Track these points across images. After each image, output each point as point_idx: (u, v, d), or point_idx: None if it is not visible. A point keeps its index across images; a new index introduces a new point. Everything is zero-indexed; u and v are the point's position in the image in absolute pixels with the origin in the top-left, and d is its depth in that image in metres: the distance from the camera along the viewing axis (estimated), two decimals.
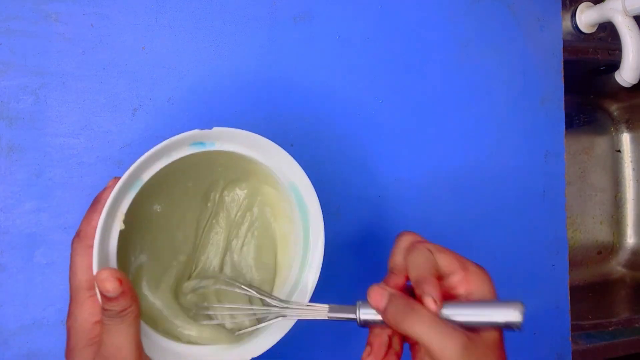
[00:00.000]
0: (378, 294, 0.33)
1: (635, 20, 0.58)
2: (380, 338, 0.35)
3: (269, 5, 0.47)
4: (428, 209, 0.52)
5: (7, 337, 0.40)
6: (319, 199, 0.37)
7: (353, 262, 0.50)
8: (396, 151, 0.51)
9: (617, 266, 0.85)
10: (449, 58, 0.54)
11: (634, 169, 0.86)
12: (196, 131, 0.33)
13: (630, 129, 0.87)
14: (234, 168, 0.39)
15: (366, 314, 0.34)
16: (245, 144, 0.35)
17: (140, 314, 0.32)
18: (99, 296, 0.30)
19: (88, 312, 0.31)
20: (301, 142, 0.48)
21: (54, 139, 0.41)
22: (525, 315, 0.31)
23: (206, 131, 0.33)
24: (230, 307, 0.37)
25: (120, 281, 0.29)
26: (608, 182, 0.86)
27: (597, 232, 0.85)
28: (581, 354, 0.62)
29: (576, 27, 0.65)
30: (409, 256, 0.34)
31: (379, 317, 0.33)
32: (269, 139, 0.36)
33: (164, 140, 0.32)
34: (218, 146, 0.34)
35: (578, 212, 0.84)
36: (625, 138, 0.87)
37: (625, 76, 0.58)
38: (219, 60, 0.46)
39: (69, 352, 0.31)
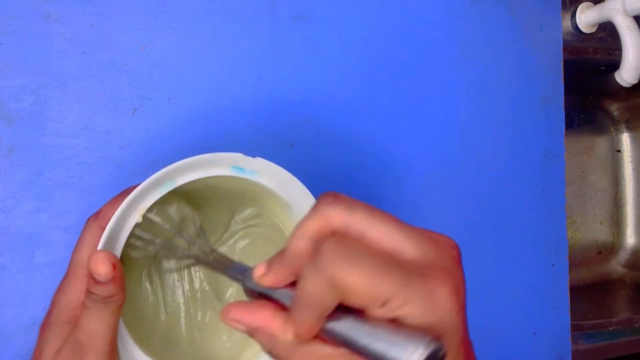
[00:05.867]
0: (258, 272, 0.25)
1: (635, 20, 0.58)
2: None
3: (269, 5, 0.47)
4: (428, 209, 0.52)
5: (7, 337, 0.40)
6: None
7: None
8: (396, 151, 0.51)
9: (617, 266, 0.85)
10: (449, 58, 0.54)
11: (634, 169, 0.86)
12: (241, 155, 0.33)
13: (630, 129, 0.87)
14: (258, 201, 0.39)
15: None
16: (282, 184, 0.35)
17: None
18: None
19: (79, 290, 0.30)
20: (301, 142, 0.48)
21: (54, 139, 0.41)
22: (431, 356, 0.20)
23: (250, 159, 0.33)
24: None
25: (114, 267, 0.28)
26: (608, 182, 0.86)
27: (597, 232, 0.85)
28: (581, 354, 0.62)
29: (576, 27, 0.65)
30: (304, 272, 0.22)
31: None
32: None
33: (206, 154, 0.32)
34: (256, 177, 0.34)
35: (578, 212, 0.84)
36: (625, 138, 0.87)
37: (625, 76, 0.58)
38: (219, 60, 0.46)
39: (45, 325, 0.31)
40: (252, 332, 0.24)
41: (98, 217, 0.32)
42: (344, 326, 0.22)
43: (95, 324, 0.28)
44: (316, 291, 0.21)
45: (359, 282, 0.20)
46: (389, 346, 0.20)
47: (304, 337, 0.22)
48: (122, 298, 0.29)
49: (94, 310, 0.28)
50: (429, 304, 0.20)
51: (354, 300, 0.21)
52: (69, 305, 0.30)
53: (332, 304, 0.21)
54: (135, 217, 0.31)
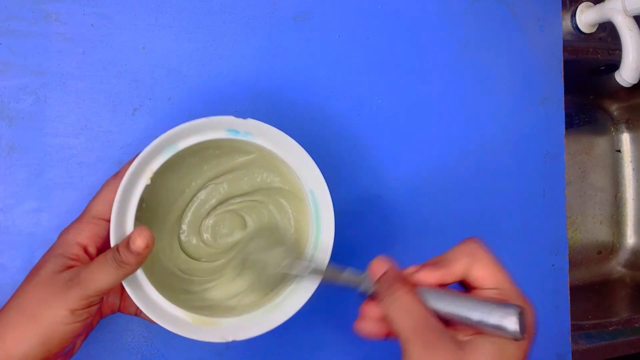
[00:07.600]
0: (378, 265, 0.34)
1: (635, 20, 0.58)
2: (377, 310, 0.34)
3: (269, 5, 0.47)
4: (428, 208, 0.52)
5: None
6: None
7: (353, 263, 0.49)
8: (396, 151, 0.51)
9: (617, 266, 0.85)
10: (449, 58, 0.54)
11: (634, 169, 0.86)
12: (233, 118, 0.36)
13: (630, 129, 0.87)
14: (259, 161, 0.41)
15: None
16: (274, 142, 0.38)
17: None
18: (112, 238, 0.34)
19: (78, 231, 0.35)
20: (301, 141, 0.48)
21: (54, 139, 0.41)
22: (523, 324, 0.29)
23: (242, 120, 0.36)
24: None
25: (147, 247, 0.33)
26: (608, 182, 0.86)
27: (597, 232, 0.85)
28: (581, 354, 0.62)
29: (576, 27, 0.65)
30: (467, 256, 0.34)
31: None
32: None
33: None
34: (250, 137, 0.37)
35: (578, 212, 0.84)
36: (625, 138, 0.87)
37: (625, 76, 0.58)
38: (219, 60, 0.46)
39: (48, 251, 0.35)
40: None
41: (117, 176, 0.36)
42: (439, 298, 0.32)
43: (99, 274, 0.32)
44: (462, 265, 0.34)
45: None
46: (485, 310, 0.30)
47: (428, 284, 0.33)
48: (133, 270, 0.33)
49: (107, 264, 0.32)
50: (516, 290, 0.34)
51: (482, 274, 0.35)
52: (67, 242, 0.35)
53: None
54: (144, 180, 0.35)
